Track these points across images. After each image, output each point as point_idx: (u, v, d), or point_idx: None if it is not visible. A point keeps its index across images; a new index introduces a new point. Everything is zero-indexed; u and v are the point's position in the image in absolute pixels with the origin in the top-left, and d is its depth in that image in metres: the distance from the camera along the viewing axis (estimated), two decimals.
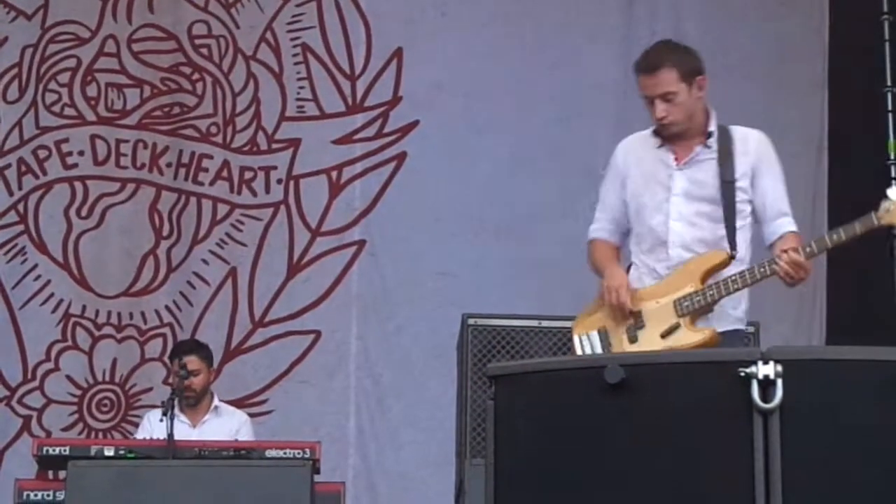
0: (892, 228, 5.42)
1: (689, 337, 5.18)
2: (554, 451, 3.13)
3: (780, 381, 2.79)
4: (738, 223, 5.36)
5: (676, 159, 5.37)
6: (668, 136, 5.44)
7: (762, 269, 5.18)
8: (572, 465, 3.10)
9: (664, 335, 5.20)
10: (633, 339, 5.15)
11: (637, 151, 5.61)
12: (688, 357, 3.94)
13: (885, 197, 5.10)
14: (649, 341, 5.16)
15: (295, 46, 9.57)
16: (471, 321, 6.61)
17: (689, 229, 5.35)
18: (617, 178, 5.60)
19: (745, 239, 5.38)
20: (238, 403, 8.29)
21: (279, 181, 9.48)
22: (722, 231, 5.34)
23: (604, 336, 5.19)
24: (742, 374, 2.83)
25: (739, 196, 5.36)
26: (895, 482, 2.89)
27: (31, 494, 6.76)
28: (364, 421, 8.99)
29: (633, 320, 5.31)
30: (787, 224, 5.31)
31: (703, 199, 5.38)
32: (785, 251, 5.13)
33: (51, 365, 9.14)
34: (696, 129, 5.41)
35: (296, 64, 9.59)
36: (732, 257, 5.24)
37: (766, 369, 2.80)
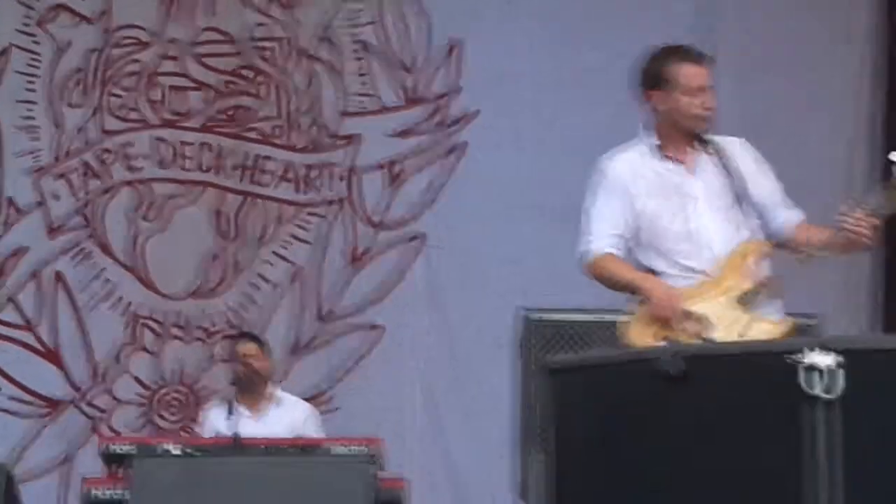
0: None
1: (770, 330, 5.16)
2: (613, 441, 3.26)
3: (841, 371, 2.87)
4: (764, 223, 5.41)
5: (686, 169, 5.45)
6: (692, 132, 5.37)
7: (818, 241, 5.23)
8: (631, 455, 3.21)
9: (742, 334, 5.12)
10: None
11: (638, 168, 5.53)
12: (747, 348, 4.26)
13: (892, 161, 4.97)
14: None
15: (354, 42, 9.85)
16: (531, 315, 6.83)
17: (725, 228, 5.40)
18: (620, 194, 5.46)
19: (760, 241, 5.41)
20: (306, 401, 8.53)
21: (341, 178, 9.75)
22: (752, 226, 5.44)
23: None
24: (802, 363, 2.93)
25: (754, 194, 5.44)
26: None
27: (97, 492, 7.05)
28: (427, 413, 9.28)
29: (699, 324, 5.15)
30: (800, 213, 5.41)
31: (723, 202, 5.44)
32: (845, 215, 5.02)
33: (119, 367, 9.44)
34: (691, 136, 5.41)
35: (356, 59, 9.86)
36: (773, 245, 5.32)
37: (826, 359, 2.89)
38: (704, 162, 5.37)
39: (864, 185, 8.62)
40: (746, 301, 5.16)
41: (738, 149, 5.44)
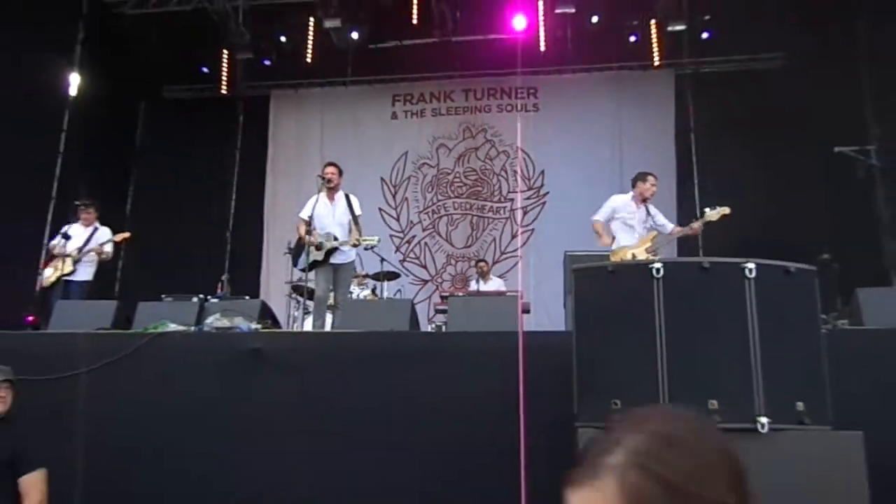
0: (709, 222, 5.83)
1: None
2: (598, 302, 3.13)
3: (663, 270, 2.81)
4: (654, 228, 6.11)
5: (638, 208, 6.10)
6: (645, 199, 6.06)
7: (677, 234, 5.92)
8: (605, 305, 3.09)
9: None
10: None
11: (623, 201, 6.19)
12: (640, 262, 3.96)
13: (704, 213, 5.87)
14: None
15: (513, 170, 11.28)
16: (569, 254, 6.89)
17: (644, 227, 6.07)
18: (612, 208, 6.20)
19: (655, 231, 6.10)
20: (499, 278, 9.81)
21: (507, 211, 11.19)
22: (649, 227, 6.06)
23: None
24: (653, 269, 2.85)
25: (654, 218, 6.16)
26: (711, 314, 2.87)
27: (440, 307, 7.61)
28: (534, 283, 9.82)
29: (632, 255, 5.77)
30: (672, 224, 6.21)
31: (646, 218, 6.09)
32: (692, 225, 5.86)
33: (443, 270, 11.18)
34: (644, 199, 6.17)
35: (513, 174, 11.17)
36: (656, 236, 6.05)
37: (658, 265, 2.83)
38: (644, 207, 6.15)
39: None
40: (650, 250, 5.88)
41: (651, 205, 6.23)
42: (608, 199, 6.39)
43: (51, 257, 7.16)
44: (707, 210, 5.85)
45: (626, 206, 6.25)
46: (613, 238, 6.20)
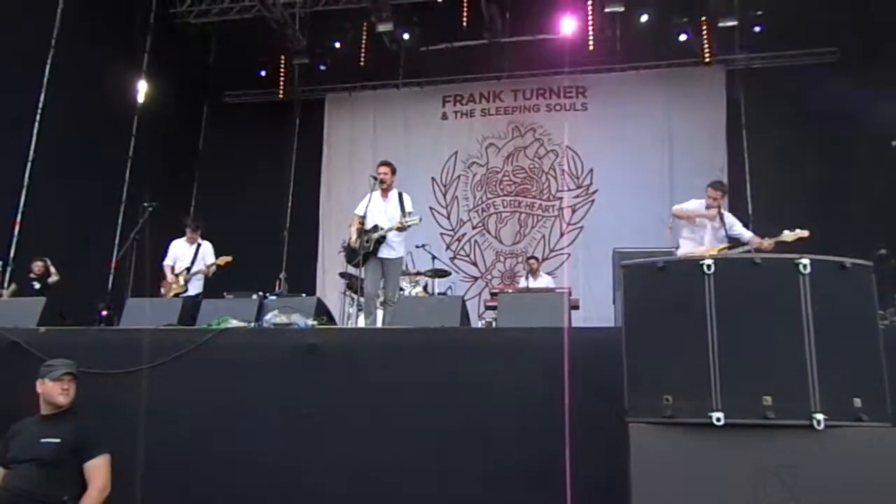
0: (784, 241, 5.61)
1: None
2: (647, 298, 3.02)
3: (714, 266, 2.82)
4: (725, 238, 6.03)
5: (711, 216, 6.14)
6: (710, 206, 6.08)
7: (754, 245, 5.72)
8: (655, 302, 2.99)
9: None
10: None
11: (699, 206, 6.12)
12: (690, 258, 3.84)
13: (782, 232, 5.64)
14: None
15: (560, 169, 11.17)
16: (617, 250, 7.00)
17: (715, 236, 6.03)
18: (689, 205, 6.16)
19: (723, 241, 6.01)
20: (548, 275, 9.58)
21: (556, 209, 11.12)
22: (721, 237, 5.96)
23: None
24: (704, 265, 2.82)
25: (729, 229, 6.02)
26: (765, 310, 2.78)
27: (489, 304, 7.78)
28: (584, 279, 10.01)
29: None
30: (750, 233, 6.06)
31: (719, 229, 5.94)
32: (763, 242, 5.68)
33: (493, 267, 11.15)
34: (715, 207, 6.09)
35: (561, 174, 11.15)
36: (729, 248, 5.90)
37: (709, 262, 2.83)
38: (718, 217, 6.09)
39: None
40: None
41: (726, 213, 6.20)
42: (689, 202, 6.35)
43: (164, 277, 7.86)
44: (786, 231, 5.71)
45: (699, 209, 6.15)
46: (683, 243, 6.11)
